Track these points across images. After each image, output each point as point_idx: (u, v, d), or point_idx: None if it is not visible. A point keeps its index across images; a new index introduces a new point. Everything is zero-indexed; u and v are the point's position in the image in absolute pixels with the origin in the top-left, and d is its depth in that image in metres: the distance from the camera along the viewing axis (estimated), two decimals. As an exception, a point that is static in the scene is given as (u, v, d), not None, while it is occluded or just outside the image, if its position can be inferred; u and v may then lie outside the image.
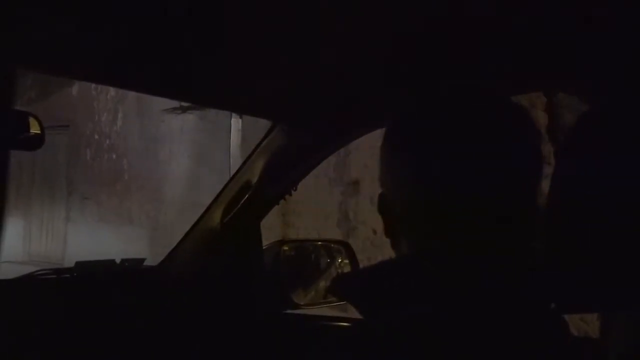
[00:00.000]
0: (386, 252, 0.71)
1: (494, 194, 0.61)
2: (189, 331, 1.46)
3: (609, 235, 0.56)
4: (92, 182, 7.58)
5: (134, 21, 0.79)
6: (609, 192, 0.56)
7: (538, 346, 0.59)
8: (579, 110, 0.68)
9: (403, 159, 0.66)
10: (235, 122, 5.90)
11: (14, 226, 8.01)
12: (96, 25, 0.80)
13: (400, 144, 0.68)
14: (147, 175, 6.97)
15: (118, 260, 1.53)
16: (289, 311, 1.59)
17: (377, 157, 0.70)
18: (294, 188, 1.52)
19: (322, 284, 1.70)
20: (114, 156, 7.41)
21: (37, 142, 1.17)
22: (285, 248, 1.66)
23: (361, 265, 1.74)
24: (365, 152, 4.19)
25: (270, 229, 4.16)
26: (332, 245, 1.82)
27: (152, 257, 1.80)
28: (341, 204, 4.84)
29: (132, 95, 6.88)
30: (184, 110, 6.40)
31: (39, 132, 1.16)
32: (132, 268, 1.56)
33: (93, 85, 7.15)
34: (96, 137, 7.64)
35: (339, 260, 1.73)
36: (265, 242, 1.61)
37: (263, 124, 1.44)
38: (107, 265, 1.51)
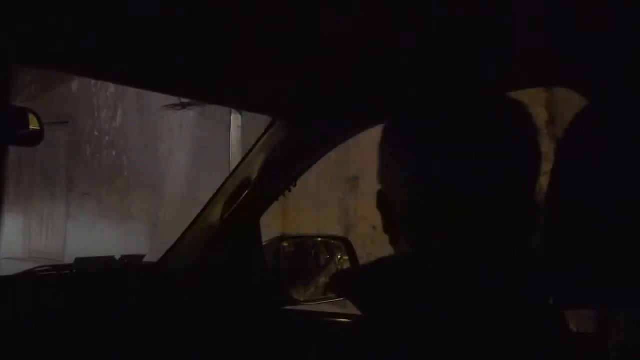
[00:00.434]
0: (386, 248, 0.71)
1: (494, 194, 0.61)
2: (188, 327, 1.46)
3: (608, 235, 0.56)
4: (92, 178, 7.58)
5: (135, 18, 0.79)
6: (609, 191, 0.56)
7: (538, 346, 0.59)
8: (579, 106, 0.68)
9: (403, 158, 0.66)
10: (235, 119, 5.89)
11: (13, 222, 8.02)
12: (97, 21, 0.79)
13: (399, 143, 0.67)
14: (147, 172, 6.97)
15: (118, 257, 1.53)
16: (288, 307, 1.59)
17: (377, 153, 0.70)
18: (294, 184, 1.52)
19: (322, 280, 1.70)
20: (114, 152, 7.41)
21: (36, 138, 1.17)
22: (285, 244, 1.66)
23: (361, 262, 1.74)
24: (365, 148, 4.18)
25: (270, 225, 4.17)
26: (332, 241, 1.82)
27: (152, 253, 1.80)
28: (341, 200, 4.84)
29: (131, 91, 6.88)
30: (183, 106, 6.39)
31: (38, 128, 1.16)
32: (131, 264, 1.56)
33: (93, 81, 7.15)
34: (96, 133, 7.64)
35: (339, 257, 1.73)
36: (265, 238, 1.61)
37: (263, 120, 1.44)
38: (107, 262, 1.51)
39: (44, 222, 8.16)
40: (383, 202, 0.69)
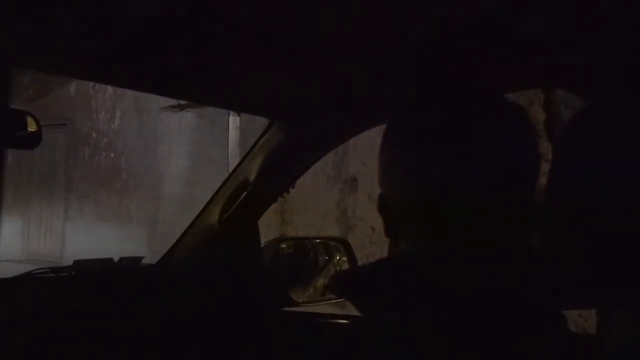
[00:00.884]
0: (385, 249, 0.71)
1: (494, 194, 0.61)
2: (187, 329, 1.46)
3: (608, 235, 0.56)
4: (91, 180, 7.57)
5: (133, 19, 0.79)
6: (608, 192, 0.56)
7: (538, 346, 0.59)
8: (577, 107, 0.68)
9: (403, 159, 0.66)
10: (234, 120, 5.89)
11: (12, 225, 8.02)
12: (95, 23, 0.79)
13: (400, 144, 0.68)
14: (145, 174, 6.97)
15: (116, 259, 1.52)
16: (287, 308, 1.59)
17: (375, 154, 0.70)
18: (292, 185, 1.52)
19: (321, 281, 1.71)
20: (112, 154, 7.41)
21: (34, 140, 1.17)
22: (284, 246, 1.66)
23: (359, 263, 1.74)
24: (364, 149, 4.19)
25: (269, 226, 4.17)
26: (331, 242, 1.82)
27: (151, 254, 1.80)
28: (339, 201, 4.84)
29: (130, 93, 6.88)
30: (182, 108, 6.39)
31: (36, 130, 1.16)
32: (130, 266, 1.56)
33: (91, 83, 7.14)
34: (94, 135, 7.63)
35: (337, 258, 1.73)
36: (263, 240, 1.61)
37: (261, 121, 1.44)
38: (105, 264, 1.51)
39: (42, 224, 8.15)
40: (384, 206, 0.69)
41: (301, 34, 0.84)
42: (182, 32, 0.83)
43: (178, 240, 1.60)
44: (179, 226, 1.73)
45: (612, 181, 0.57)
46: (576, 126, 0.65)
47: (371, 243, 4.27)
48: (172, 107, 6.42)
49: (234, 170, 1.52)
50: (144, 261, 1.61)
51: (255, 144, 1.45)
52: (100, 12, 0.76)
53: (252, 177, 1.45)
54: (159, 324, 1.44)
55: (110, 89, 7.34)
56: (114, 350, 1.33)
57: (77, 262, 1.43)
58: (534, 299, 0.61)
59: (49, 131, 6.72)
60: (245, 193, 1.47)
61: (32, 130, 1.16)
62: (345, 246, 1.74)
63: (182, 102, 5.98)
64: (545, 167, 0.63)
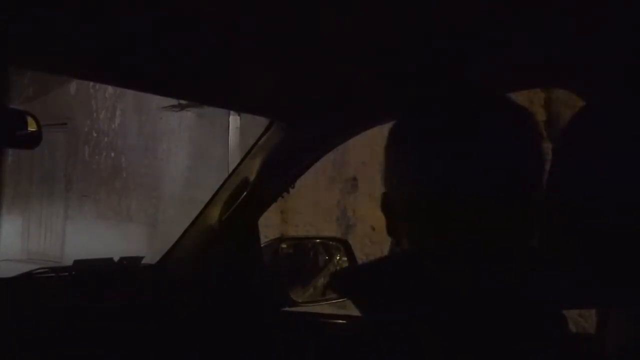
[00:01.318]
0: (385, 249, 0.71)
1: (494, 194, 0.61)
2: (187, 329, 1.46)
3: (608, 235, 0.56)
4: (91, 179, 7.57)
5: (133, 20, 0.79)
6: (608, 191, 0.56)
7: (538, 346, 0.59)
8: (577, 106, 0.68)
9: (404, 158, 0.66)
10: (234, 120, 5.89)
11: (12, 224, 8.02)
12: (96, 23, 0.79)
13: (401, 143, 0.68)
14: (145, 173, 6.97)
15: (116, 259, 1.53)
16: (287, 308, 1.59)
17: (375, 154, 0.70)
18: (292, 185, 1.52)
19: (321, 281, 1.71)
20: (112, 154, 7.40)
21: (34, 140, 1.17)
22: (284, 245, 1.66)
23: (359, 263, 1.74)
24: (364, 149, 4.19)
25: (269, 226, 4.17)
26: (331, 242, 1.83)
27: (151, 254, 1.80)
28: (339, 201, 4.84)
29: (130, 92, 6.87)
30: (182, 107, 6.39)
31: (36, 130, 1.16)
32: (130, 266, 1.56)
33: (91, 83, 7.14)
34: (94, 134, 7.63)
35: (338, 258, 1.73)
36: (263, 240, 1.61)
37: (261, 121, 1.44)
38: (105, 264, 1.51)
39: (42, 223, 8.15)
40: (386, 204, 0.69)
41: (301, 33, 0.84)
42: (182, 32, 0.83)
43: (178, 240, 1.60)
44: (179, 225, 1.73)
45: (611, 181, 0.57)
46: (576, 126, 0.65)
47: (371, 243, 4.27)
48: (172, 106, 6.41)
49: (234, 170, 1.52)
50: (144, 261, 1.61)
51: (255, 144, 1.45)
52: (100, 12, 0.76)
53: (252, 177, 1.45)
54: (159, 324, 1.44)
55: (110, 89, 7.33)
56: (114, 350, 1.33)
57: (77, 262, 1.43)
58: (534, 299, 0.61)
59: (49, 131, 6.72)
60: (245, 193, 1.47)
61: (32, 129, 1.16)
62: (345, 246, 1.74)
63: (182, 101, 5.98)
64: (545, 167, 0.63)
